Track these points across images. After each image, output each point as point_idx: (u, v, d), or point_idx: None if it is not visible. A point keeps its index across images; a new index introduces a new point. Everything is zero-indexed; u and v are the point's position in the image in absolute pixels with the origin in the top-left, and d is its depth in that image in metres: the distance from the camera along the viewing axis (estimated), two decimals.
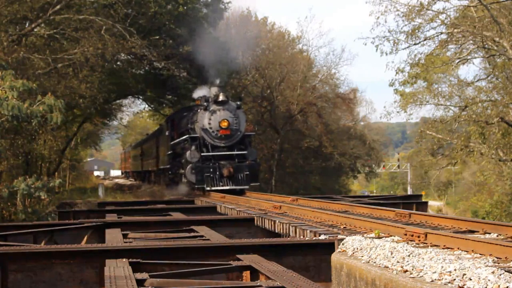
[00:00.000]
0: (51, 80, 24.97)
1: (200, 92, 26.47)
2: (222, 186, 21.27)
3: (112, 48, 25.78)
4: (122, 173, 76.78)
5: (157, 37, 32.42)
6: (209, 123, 22.29)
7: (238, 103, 23.06)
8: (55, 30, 25.30)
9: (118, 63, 34.48)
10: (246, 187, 21.56)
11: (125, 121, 60.45)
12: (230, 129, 22.30)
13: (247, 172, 21.62)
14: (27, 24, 26.05)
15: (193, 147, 22.31)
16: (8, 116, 15.46)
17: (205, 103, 22.63)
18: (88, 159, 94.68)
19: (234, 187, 21.27)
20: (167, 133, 29.00)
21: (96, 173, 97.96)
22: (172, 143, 27.16)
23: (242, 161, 22.03)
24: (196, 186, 22.10)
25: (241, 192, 20.84)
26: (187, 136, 23.33)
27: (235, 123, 22.39)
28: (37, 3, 24.60)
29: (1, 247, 8.30)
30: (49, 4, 24.80)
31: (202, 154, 22.14)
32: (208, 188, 21.31)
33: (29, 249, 8.22)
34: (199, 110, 23.00)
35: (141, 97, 45.71)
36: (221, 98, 22.40)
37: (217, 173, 21.48)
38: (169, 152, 27.74)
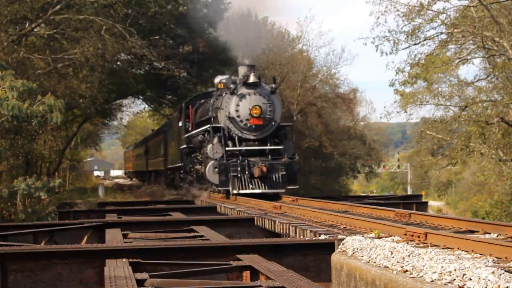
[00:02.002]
0: (51, 80, 24.97)
1: (220, 77, 22.51)
2: (253, 189, 17.32)
3: (112, 48, 25.78)
4: (125, 173, 74.84)
5: (157, 37, 32.45)
6: (237, 110, 18.28)
7: (273, 85, 18.73)
8: (55, 30, 25.29)
9: (118, 63, 34.49)
10: (282, 190, 17.62)
11: (125, 121, 60.50)
12: (263, 117, 18.27)
13: (283, 172, 17.69)
14: (27, 24, 26.05)
15: (215, 140, 18.27)
16: (8, 116, 15.46)
17: (231, 85, 18.38)
18: (88, 159, 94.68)
19: (267, 190, 17.39)
20: (180, 124, 24.70)
21: (96, 173, 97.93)
22: (186, 135, 22.91)
23: (277, 158, 18.21)
24: (218, 189, 18.19)
25: (275, 197, 17.04)
26: (208, 126, 19.02)
27: (269, 111, 18.32)
28: (37, 3, 24.60)
29: (1, 247, 8.30)
30: (49, 4, 24.80)
31: (227, 148, 18.21)
32: (235, 192, 17.32)
33: (29, 249, 8.22)
34: (224, 94, 18.80)
35: (141, 97, 45.73)
36: (252, 79, 18.32)
37: (246, 172, 17.47)
38: (183, 147, 23.57)
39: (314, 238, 8.69)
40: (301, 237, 9.32)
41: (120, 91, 39.84)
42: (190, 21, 34.83)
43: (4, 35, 23.20)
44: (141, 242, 8.68)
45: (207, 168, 18.12)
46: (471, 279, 5.42)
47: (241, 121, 18.30)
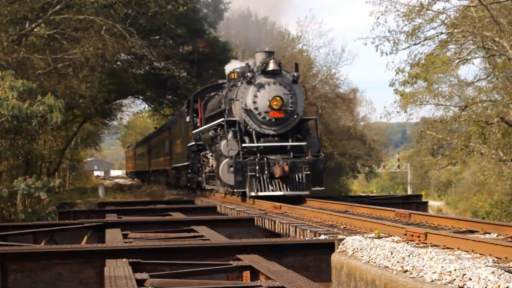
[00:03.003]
0: (51, 80, 24.99)
1: (233, 66, 20.66)
2: (273, 191, 15.32)
3: (112, 48, 25.80)
4: (126, 173, 73.96)
5: (157, 37, 32.48)
6: (255, 102, 16.36)
7: (295, 74, 16.71)
8: (55, 30, 25.31)
9: (118, 63, 34.53)
10: (306, 193, 15.54)
11: (125, 121, 60.57)
12: (284, 110, 16.29)
13: (308, 172, 15.63)
14: (27, 24, 26.07)
15: (230, 135, 16.31)
16: (8, 116, 15.47)
17: (248, 74, 16.41)
18: (88, 159, 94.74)
19: (289, 192, 15.39)
20: (187, 119, 22.76)
21: (96, 173, 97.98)
22: (195, 131, 20.98)
23: (300, 155, 16.25)
24: (234, 191, 16.24)
25: (299, 200, 15.14)
26: (222, 119, 17.01)
27: (291, 102, 16.37)
28: (37, 3, 24.61)
29: (1, 247, 8.30)
30: (49, 4, 24.82)
31: (244, 145, 16.20)
32: (253, 194, 15.37)
33: (29, 249, 8.22)
34: (239, 84, 16.87)
35: (141, 97, 45.79)
36: (271, 66, 16.40)
37: (266, 172, 15.44)
38: (190, 144, 21.61)
39: (314, 238, 8.70)
40: (301, 237, 9.32)
41: (120, 91, 39.87)
42: (190, 21, 34.87)
43: (4, 35, 23.22)
44: (141, 242, 8.68)
45: (220, 167, 16.07)
46: (471, 279, 5.42)
47: (259, 114, 16.36)
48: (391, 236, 8.44)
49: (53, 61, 25.09)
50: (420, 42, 27.54)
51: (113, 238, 9.40)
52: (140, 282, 6.14)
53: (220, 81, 21.54)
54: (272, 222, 10.89)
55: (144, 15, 30.21)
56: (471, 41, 26.71)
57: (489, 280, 5.29)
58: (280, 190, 15.38)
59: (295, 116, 16.57)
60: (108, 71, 31.09)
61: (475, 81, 30.14)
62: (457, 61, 28.36)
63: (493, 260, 6.52)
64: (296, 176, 15.59)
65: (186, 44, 35.23)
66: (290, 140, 16.54)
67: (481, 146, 28.52)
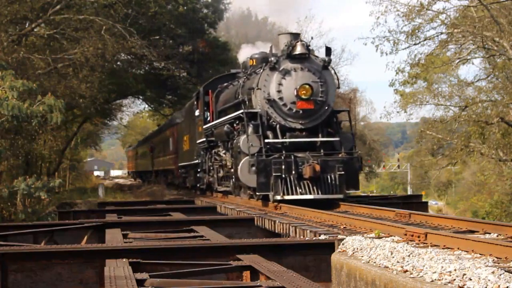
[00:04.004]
0: (51, 80, 25.00)
1: (246, 52, 18.89)
2: (302, 194, 13.31)
3: (112, 48, 25.81)
4: (128, 174, 72.74)
5: (157, 37, 32.51)
6: (279, 91, 14.27)
7: (326, 58, 14.50)
8: (55, 30, 25.33)
9: (118, 63, 34.56)
10: (340, 196, 13.57)
11: (125, 121, 60.59)
12: (313, 100, 14.18)
13: (341, 172, 13.61)
14: (27, 24, 26.08)
15: (250, 129, 14.30)
16: (8, 116, 15.47)
17: (272, 58, 14.27)
18: (88, 159, 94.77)
19: (321, 196, 13.38)
20: (196, 113, 20.65)
21: (96, 173, 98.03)
22: (206, 126, 18.93)
23: (332, 153, 14.25)
24: (257, 194, 13.98)
25: (331, 204, 13.27)
26: (241, 111, 14.89)
27: (321, 92, 14.25)
28: (37, 3, 24.62)
29: (1, 247, 8.30)
30: (49, 4, 24.83)
31: (267, 140, 14.22)
32: (278, 197, 13.31)
33: (29, 249, 8.22)
34: (261, 70, 14.74)
35: (141, 97, 45.85)
36: (299, 49, 14.25)
37: (293, 172, 13.43)
38: (200, 141, 19.62)
39: (314, 238, 8.70)
40: (301, 237, 9.32)
41: (120, 91, 39.90)
42: (190, 21, 34.89)
43: (4, 35, 23.22)
44: (141, 242, 8.68)
45: (239, 167, 13.97)
46: (471, 279, 5.42)
47: (285, 104, 14.24)
48: (391, 236, 8.44)
49: (53, 61, 25.10)
50: (420, 42, 27.55)
51: (113, 238, 9.39)
52: (140, 282, 6.14)
53: (233, 71, 19.84)
54: (272, 222, 10.89)
55: (144, 15, 30.24)
56: (471, 41, 26.71)
57: (489, 280, 5.29)
58: (310, 193, 13.35)
59: (326, 108, 14.45)
60: (108, 71, 31.11)
61: (475, 81, 30.16)
62: (457, 61, 28.37)
63: (493, 260, 6.53)
64: (328, 176, 13.56)
65: (186, 44, 35.27)
66: (320, 135, 14.46)
67: (481, 146, 28.53)
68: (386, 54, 27.76)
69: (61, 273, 7.77)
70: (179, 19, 34.20)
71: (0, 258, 7.69)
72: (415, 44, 27.59)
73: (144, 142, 46.70)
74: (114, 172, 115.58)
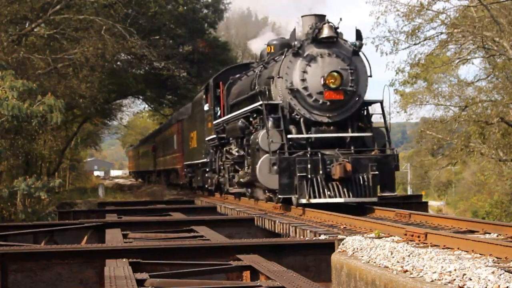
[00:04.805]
0: (51, 80, 25.01)
1: (259, 42, 17.59)
2: (331, 197, 11.82)
3: (112, 48, 25.81)
4: (129, 174, 72.14)
5: (157, 37, 32.52)
6: (304, 79, 12.69)
7: (357, 42, 12.93)
8: (55, 30, 25.34)
9: (118, 63, 34.58)
10: (374, 199, 12.12)
11: (125, 121, 60.61)
12: (343, 90, 12.59)
13: (375, 172, 12.08)
14: (27, 24, 26.09)
15: (270, 124, 12.66)
16: (8, 116, 15.47)
17: (295, 42, 12.75)
18: (88, 159, 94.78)
19: (352, 199, 11.94)
20: (206, 108, 19.18)
21: (96, 173, 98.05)
22: (217, 122, 17.38)
23: (364, 150, 12.75)
24: (279, 197, 12.56)
25: (363, 209, 11.95)
26: (259, 103, 13.18)
27: (351, 80, 12.68)
28: (37, 3, 24.63)
29: (1, 247, 8.30)
30: (49, 4, 24.83)
31: (289, 136, 12.62)
32: (304, 201, 11.80)
33: (29, 249, 8.22)
34: (284, 56, 12.95)
35: (141, 97, 45.87)
36: (326, 32, 12.65)
37: (321, 172, 11.92)
38: (210, 138, 18.14)
39: (314, 238, 8.70)
40: (301, 237, 9.32)
41: (120, 91, 39.92)
42: (190, 21, 34.90)
43: (4, 35, 23.23)
44: (141, 242, 8.68)
45: (258, 166, 12.40)
46: (471, 279, 5.42)
47: (310, 95, 12.66)
48: (391, 236, 8.44)
49: (53, 61, 25.11)
50: (420, 42, 27.55)
51: (113, 238, 9.39)
52: (140, 282, 6.14)
53: (246, 61, 18.46)
54: (272, 222, 10.89)
55: (144, 15, 30.25)
56: (471, 41, 26.71)
57: (489, 280, 5.29)
58: (340, 196, 11.84)
59: (357, 99, 12.87)
60: (108, 71, 31.13)
61: (475, 81, 30.15)
62: (457, 61, 28.37)
63: (493, 260, 6.53)
64: (360, 177, 12.03)
65: (186, 44, 35.28)
66: (349, 129, 12.92)
67: (481, 146, 28.54)
68: (386, 54, 27.81)
69: (61, 273, 7.78)
70: (179, 19, 34.22)
71: (0, 258, 7.69)
72: (415, 44, 27.61)
73: (146, 141, 45.34)
74: (114, 172, 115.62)
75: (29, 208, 17.99)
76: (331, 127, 12.88)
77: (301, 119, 12.85)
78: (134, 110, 55.16)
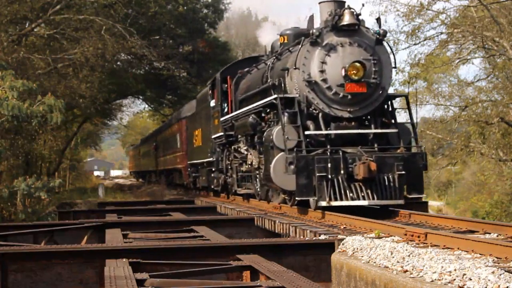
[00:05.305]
0: (51, 80, 25.01)
1: (267, 34, 16.74)
2: (353, 199, 10.91)
3: (112, 48, 25.82)
4: (130, 174, 71.43)
5: (157, 37, 32.53)
6: (323, 71, 11.74)
7: (380, 30, 12.00)
8: (55, 30, 25.35)
9: (118, 63, 34.60)
10: (400, 202, 11.18)
11: (125, 121, 60.65)
12: (365, 82, 11.66)
13: (402, 172, 11.17)
14: (27, 24, 26.10)
15: (285, 119, 11.70)
16: (8, 116, 15.47)
17: (313, 30, 11.81)
18: (88, 159, 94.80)
19: (376, 201, 11.03)
20: (212, 104, 18.36)
21: (96, 173, 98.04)
22: (224, 118, 16.56)
23: (388, 148, 11.88)
24: (297, 199, 11.28)
25: (388, 213, 11.05)
26: (273, 97, 12.26)
27: (375, 72, 11.75)
28: (37, 3, 24.64)
29: (1, 247, 8.30)
30: (49, 4, 24.84)
31: (307, 132, 11.68)
32: (324, 204, 10.84)
33: (29, 249, 8.22)
34: (301, 45, 11.95)
35: (141, 97, 45.90)
36: (347, 19, 11.70)
37: (342, 172, 10.99)
38: (217, 136, 17.33)
39: (314, 238, 8.70)
40: (301, 237, 9.32)
41: (120, 91, 39.95)
42: (190, 21, 34.92)
43: (4, 35, 23.23)
44: (141, 242, 8.68)
45: (272, 165, 11.45)
46: (471, 279, 5.42)
47: (329, 88, 11.72)
48: (391, 236, 8.44)
49: (53, 61, 25.11)
50: (420, 42, 27.55)
51: (113, 238, 9.40)
52: (140, 282, 6.14)
53: (255, 54, 17.49)
54: (272, 222, 10.89)
55: (144, 15, 30.26)
56: (471, 41, 26.72)
57: (489, 280, 5.29)
58: (364, 199, 10.91)
59: (380, 92, 11.96)
60: (108, 71, 31.14)
61: (475, 81, 30.15)
62: (457, 61, 28.38)
63: (493, 260, 6.53)
64: (385, 177, 11.10)
65: (186, 44, 35.30)
66: (372, 126, 12.01)
67: (481, 146, 28.53)
68: None
69: (61, 273, 7.78)
70: (179, 19, 34.23)
71: (0, 258, 7.70)
72: (415, 44, 27.61)
73: (147, 140, 44.33)
74: (114, 172, 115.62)
75: (29, 208, 17.99)
76: (352, 123, 11.92)
77: (320, 114, 11.90)
78: (134, 110, 55.27)
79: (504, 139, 27.44)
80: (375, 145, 11.77)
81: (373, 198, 10.96)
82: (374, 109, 12.04)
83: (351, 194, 10.93)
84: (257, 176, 13.83)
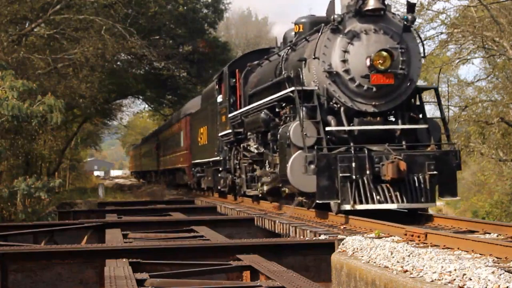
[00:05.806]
0: (51, 80, 25.02)
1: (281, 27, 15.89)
2: (380, 202, 9.88)
3: (112, 48, 25.83)
4: (131, 174, 70.53)
5: (157, 37, 32.54)
6: (345, 61, 10.62)
7: (409, 16, 10.76)
8: (55, 30, 25.35)
9: (118, 63, 34.61)
10: (432, 204, 10.27)
11: (125, 121, 60.68)
12: (392, 73, 10.53)
13: (434, 172, 10.11)
14: (27, 24, 26.10)
15: (303, 114, 10.54)
16: (8, 116, 15.47)
17: (335, 16, 10.62)
18: (88, 159, 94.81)
19: (406, 204, 9.94)
20: (219, 99, 17.26)
21: (96, 173, 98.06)
22: (232, 114, 15.49)
23: (418, 145, 10.81)
24: (317, 202, 10.26)
25: (417, 216, 10.30)
26: (290, 90, 11.15)
27: (402, 62, 10.62)
28: (37, 3, 24.64)
29: (1, 247, 8.30)
30: (49, 4, 24.84)
31: (328, 129, 10.60)
32: (348, 207, 9.90)
33: (29, 249, 8.22)
34: (320, 32, 10.91)
35: (141, 97, 45.93)
36: (372, 4, 10.54)
37: (368, 172, 9.97)
38: (224, 133, 16.38)
39: (314, 238, 8.70)
40: (301, 237, 9.32)
41: (120, 91, 39.97)
42: (190, 21, 34.92)
43: (4, 35, 23.23)
44: (141, 242, 8.69)
45: (289, 165, 10.40)
46: (471, 279, 5.42)
47: (352, 79, 10.61)
48: (391, 236, 8.44)
49: (53, 61, 25.12)
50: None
51: (113, 238, 9.40)
52: (140, 282, 6.14)
53: (266, 46, 16.63)
54: (272, 222, 10.89)
55: (144, 15, 30.27)
56: (471, 41, 26.71)
57: (489, 280, 5.29)
58: (392, 201, 9.87)
59: (408, 84, 10.84)
60: (108, 71, 31.15)
61: (475, 81, 30.16)
62: (457, 61, 28.37)
63: (493, 260, 6.53)
64: (416, 178, 10.04)
65: (186, 44, 35.30)
66: (399, 121, 10.87)
67: (481, 146, 28.53)
68: None
69: (61, 273, 7.78)
70: (179, 19, 34.24)
71: (0, 258, 7.70)
72: None
73: (148, 139, 43.06)
74: (114, 172, 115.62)
75: (29, 208, 18.00)
76: (378, 118, 10.81)
77: (341, 108, 10.77)
78: (134, 110, 55.38)
79: (504, 139, 27.44)
80: (403, 143, 10.67)
81: (403, 201, 9.92)
82: (401, 102, 10.93)
83: (378, 197, 9.91)
84: (269, 176, 12.72)
